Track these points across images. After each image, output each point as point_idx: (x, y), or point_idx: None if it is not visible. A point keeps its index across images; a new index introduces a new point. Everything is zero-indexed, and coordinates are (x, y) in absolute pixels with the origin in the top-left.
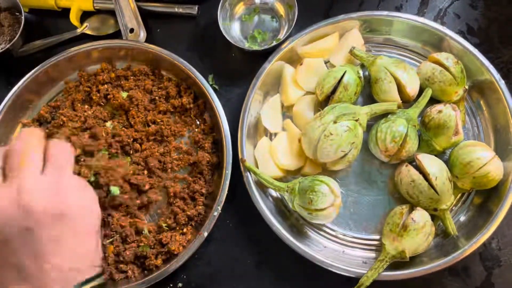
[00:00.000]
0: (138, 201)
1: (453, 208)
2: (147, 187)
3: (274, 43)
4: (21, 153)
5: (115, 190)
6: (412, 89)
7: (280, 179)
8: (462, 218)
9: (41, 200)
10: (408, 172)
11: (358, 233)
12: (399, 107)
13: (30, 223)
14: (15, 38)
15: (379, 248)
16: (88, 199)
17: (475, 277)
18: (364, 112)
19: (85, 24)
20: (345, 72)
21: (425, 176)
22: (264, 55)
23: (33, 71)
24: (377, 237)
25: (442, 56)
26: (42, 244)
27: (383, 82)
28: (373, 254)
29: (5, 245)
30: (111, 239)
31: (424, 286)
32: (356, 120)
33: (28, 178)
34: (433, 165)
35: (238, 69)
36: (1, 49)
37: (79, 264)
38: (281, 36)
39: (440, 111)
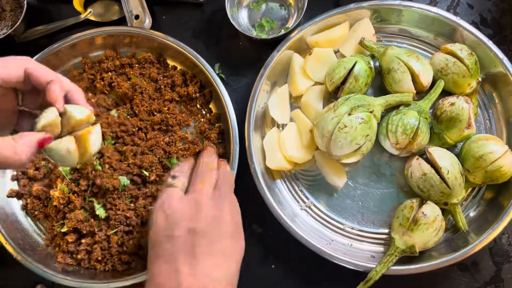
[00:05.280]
0: (146, 190)
1: (463, 202)
2: (152, 177)
3: (283, 32)
4: (204, 175)
5: (124, 180)
6: (425, 78)
7: (287, 172)
8: (472, 213)
9: (206, 213)
10: (419, 166)
11: (366, 226)
12: (413, 98)
13: (195, 225)
14: (17, 24)
15: (387, 242)
16: (235, 228)
17: (484, 272)
18: (379, 103)
19: (88, 10)
20: (355, 62)
21: (437, 170)
22: (272, 44)
23: (35, 57)
24: (386, 230)
25: (456, 47)
26: (194, 248)
27: (396, 72)
28: (381, 248)
29: (169, 240)
30: (115, 230)
31: (432, 280)
32: (371, 112)
33: (204, 196)
34: (444, 158)
35: (246, 58)
36: (3, 34)
37: (212, 284)
38: (290, 24)
39: (452, 104)
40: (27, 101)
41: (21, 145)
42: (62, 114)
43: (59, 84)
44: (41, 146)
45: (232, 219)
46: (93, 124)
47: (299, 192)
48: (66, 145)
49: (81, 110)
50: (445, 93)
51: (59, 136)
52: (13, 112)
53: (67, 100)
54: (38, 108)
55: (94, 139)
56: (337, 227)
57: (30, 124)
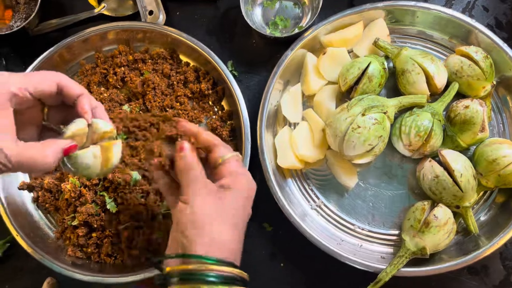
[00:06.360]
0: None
1: (475, 206)
2: None
3: (296, 30)
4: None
5: (135, 175)
6: (440, 80)
7: (298, 171)
8: (483, 217)
9: None
10: (431, 168)
11: (377, 227)
12: (427, 99)
13: None
14: (31, 17)
15: (397, 243)
16: None
17: (494, 276)
18: (392, 104)
19: (102, 5)
20: (369, 62)
21: (449, 173)
22: (285, 42)
23: (48, 51)
24: (396, 232)
25: (471, 50)
26: None
27: (410, 74)
28: (391, 250)
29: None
30: (125, 225)
31: (442, 283)
32: (384, 113)
33: None
34: (457, 161)
35: (259, 56)
36: (17, 27)
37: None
38: (304, 23)
39: (467, 107)
40: (51, 116)
41: (50, 150)
42: (88, 126)
43: (88, 98)
44: (67, 153)
45: None
46: (115, 139)
47: (310, 192)
48: (92, 151)
49: (105, 124)
50: (459, 95)
51: (82, 147)
52: (36, 126)
53: (92, 114)
54: (61, 124)
55: (116, 152)
56: (347, 227)
57: None
